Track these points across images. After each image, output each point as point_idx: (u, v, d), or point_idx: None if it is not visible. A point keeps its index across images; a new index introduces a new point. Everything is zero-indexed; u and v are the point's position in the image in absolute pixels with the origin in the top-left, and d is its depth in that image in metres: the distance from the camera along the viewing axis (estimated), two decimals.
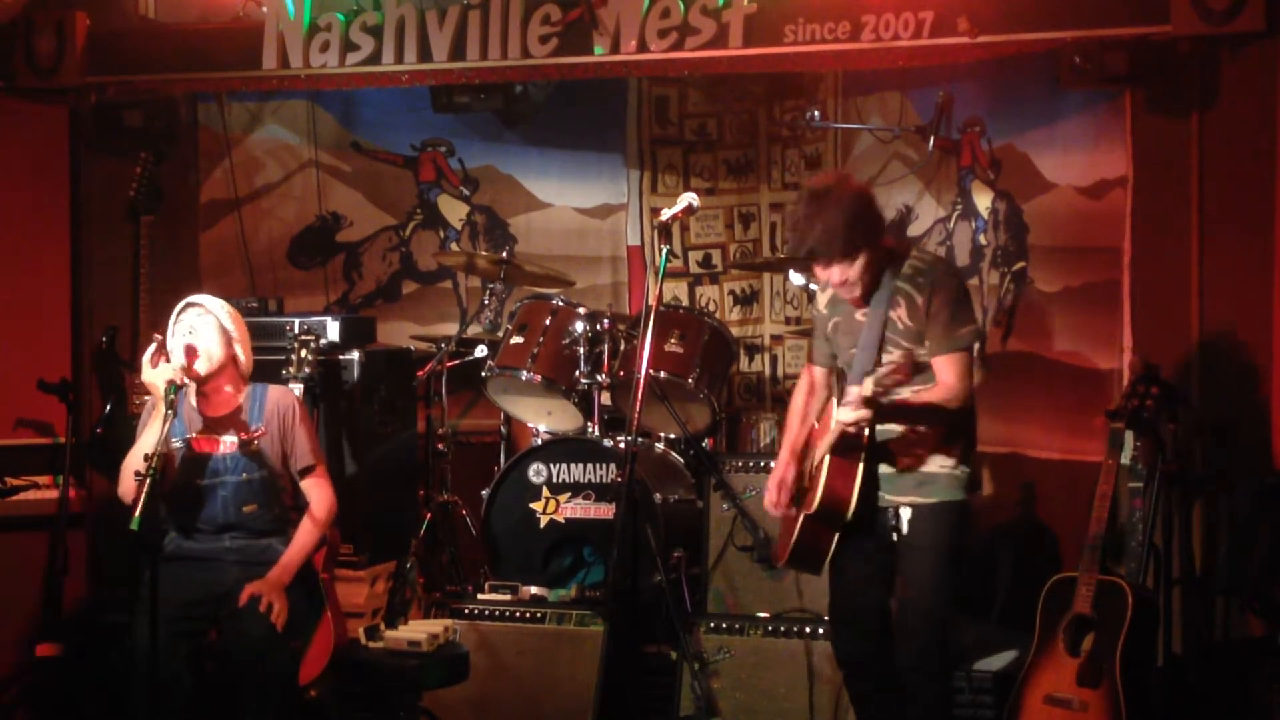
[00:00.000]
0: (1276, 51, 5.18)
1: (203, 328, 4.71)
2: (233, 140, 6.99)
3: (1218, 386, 5.29)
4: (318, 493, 4.81)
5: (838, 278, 4.25)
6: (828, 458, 4.21)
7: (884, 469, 4.29)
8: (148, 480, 4.24)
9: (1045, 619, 4.69)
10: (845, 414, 4.10)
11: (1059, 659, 4.62)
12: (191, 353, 4.67)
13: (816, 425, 4.43)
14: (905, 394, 4.17)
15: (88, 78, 6.26)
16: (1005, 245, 6.21)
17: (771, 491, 4.43)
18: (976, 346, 4.38)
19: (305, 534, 4.74)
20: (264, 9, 6.18)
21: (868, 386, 4.02)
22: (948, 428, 4.27)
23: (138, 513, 4.19)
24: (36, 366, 5.97)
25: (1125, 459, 4.96)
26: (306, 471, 4.82)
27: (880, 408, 4.08)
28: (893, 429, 4.25)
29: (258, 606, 4.53)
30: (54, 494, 5.82)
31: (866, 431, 4.19)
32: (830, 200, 4.18)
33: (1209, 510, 5.26)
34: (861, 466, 4.20)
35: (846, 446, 4.19)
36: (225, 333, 4.74)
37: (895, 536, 4.30)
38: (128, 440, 4.86)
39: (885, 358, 4.22)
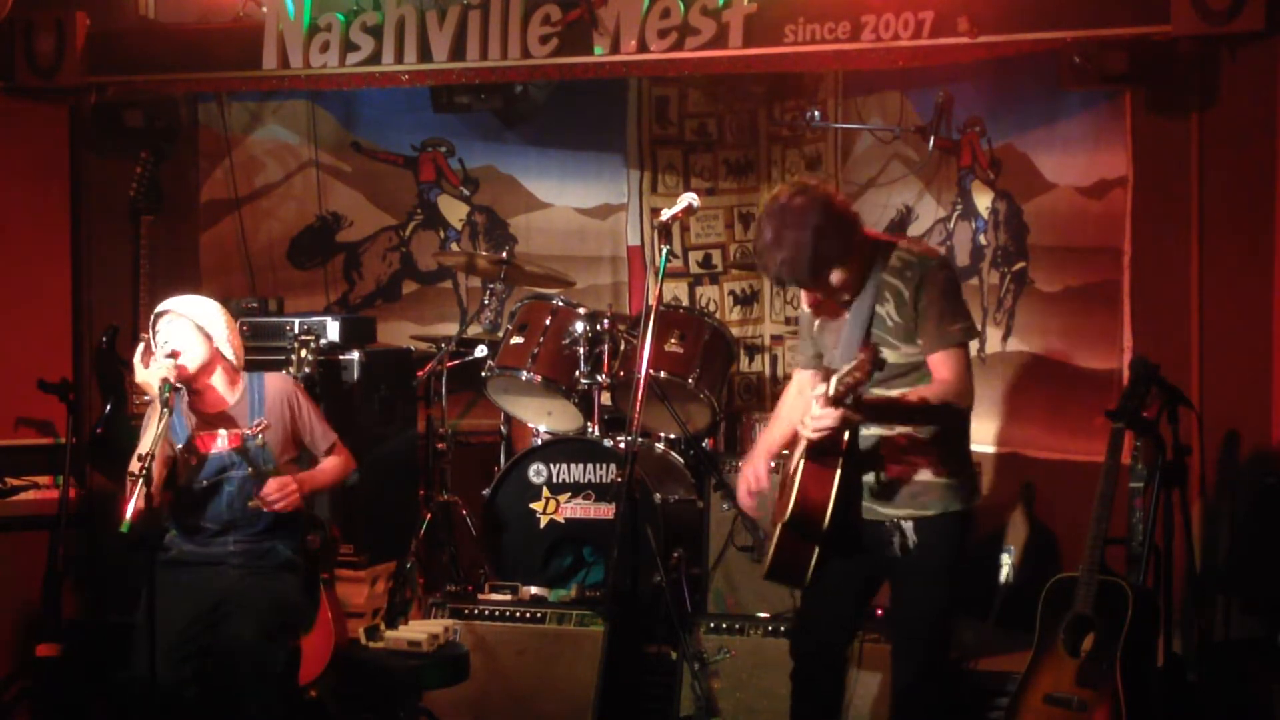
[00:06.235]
0: (1276, 51, 5.18)
1: (176, 333, 4.65)
2: (233, 140, 6.99)
3: (1218, 386, 5.29)
4: (344, 456, 4.96)
5: (819, 296, 4.10)
6: (802, 463, 3.97)
7: (871, 478, 4.04)
8: (140, 482, 4.24)
9: (1045, 619, 4.68)
10: (810, 420, 3.84)
11: (1059, 659, 4.61)
12: (173, 356, 4.61)
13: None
14: (896, 393, 3.97)
15: (88, 78, 6.26)
16: (1005, 245, 6.21)
17: (740, 491, 4.29)
18: (975, 346, 4.26)
19: (332, 465, 4.90)
20: (264, 9, 6.18)
21: (831, 386, 3.78)
22: (941, 432, 4.02)
23: (128, 516, 4.19)
24: (36, 366, 5.97)
25: (1125, 459, 4.96)
26: (329, 450, 4.92)
27: (858, 408, 3.81)
28: (883, 431, 4.02)
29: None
30: (54, 494, 5.82)
31: (847, 435, 3.94)
32: (790, 218, 3.92)
33: (1209, 510, 5.26)
34: (839, 474, 3.94)
35: (822, 450, 3.93)
36: (201, 331, 4.66)
37: (899, 553, 4.05)
38: (128, 440, 4.85)
39: None
